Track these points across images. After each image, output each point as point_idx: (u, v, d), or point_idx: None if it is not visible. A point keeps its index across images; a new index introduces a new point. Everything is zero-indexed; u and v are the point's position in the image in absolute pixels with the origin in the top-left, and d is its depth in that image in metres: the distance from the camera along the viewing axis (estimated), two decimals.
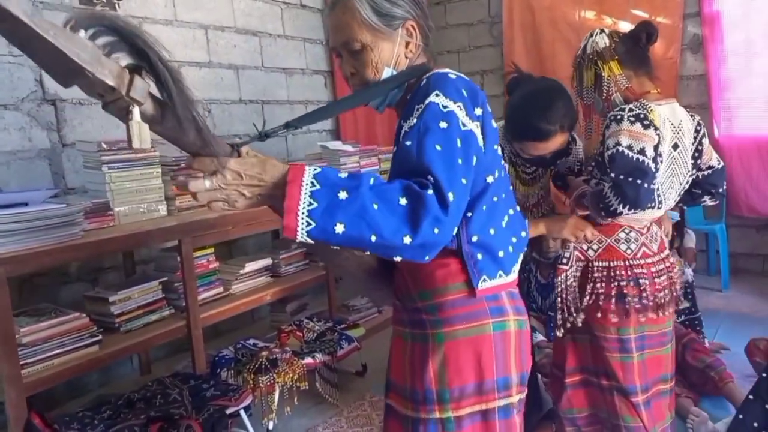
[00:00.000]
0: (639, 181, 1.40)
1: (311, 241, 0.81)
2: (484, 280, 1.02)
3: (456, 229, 0.94)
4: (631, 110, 1.48)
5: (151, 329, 2.16)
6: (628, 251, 1.58)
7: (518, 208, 1.15)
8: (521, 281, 2.96)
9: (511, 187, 1.14)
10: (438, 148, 0.89)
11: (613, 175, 1.42)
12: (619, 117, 1.48)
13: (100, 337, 1.97)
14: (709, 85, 3.80)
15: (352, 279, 1.16)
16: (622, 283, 1.56)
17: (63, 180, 2.56)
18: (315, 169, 0.83)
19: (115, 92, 0.72)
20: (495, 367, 1.02)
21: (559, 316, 1.64)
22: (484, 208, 1.01)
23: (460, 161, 0.90)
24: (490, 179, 1.02)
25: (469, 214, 1.00)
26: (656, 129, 1.47)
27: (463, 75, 1.04)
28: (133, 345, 2.08)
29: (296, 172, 0.82)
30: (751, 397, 1.65)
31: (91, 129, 2.66)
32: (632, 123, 1.46)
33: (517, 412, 1.06)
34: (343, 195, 0.80)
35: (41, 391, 1.81)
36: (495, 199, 1.04)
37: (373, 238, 0.80)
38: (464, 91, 0.98)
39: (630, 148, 1.42)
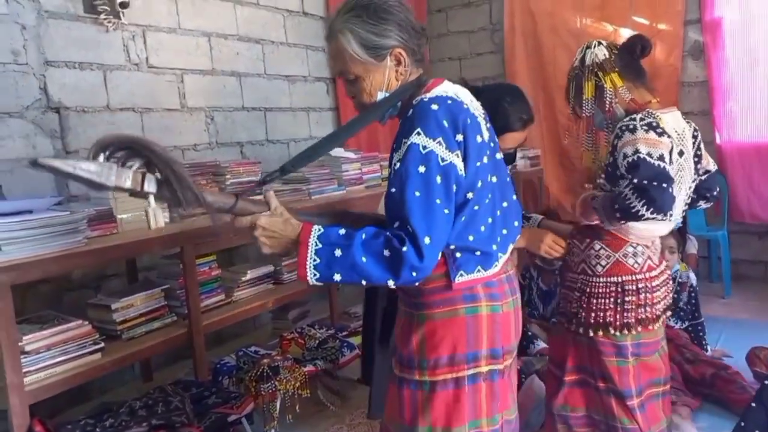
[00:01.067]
0: (665, 185, 1.38)
1: (320, 284, 1.10)
2: (461, 275, 1.18)
3: None
4: (642, 119, 1.48)
5: (153, 336, 2.17)
6: (636, 265, 1.58)
7: (514, 198, 1.31)
8: (523, 288, 2.99)
9: (508, 179, 1.30)
10: (417, 194, 1.07)
11: (636, 180, 1.39)
12: (632, 126, 1.47)
13: (102, 344, 1.97)
14: (710, 92, 3.81)
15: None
16: (627, 298, 1.56)
17: (66, 187, 2.57)
18: (319, 230, 1.09)
19: (134, 189, 1.01)
20: (466, 343, 1.20)
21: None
22: (463, 219, 1.15)
23: (438, 201, 1.08)
24: (470, 195, 1.15)
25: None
26: (669, 136, 1.48)
27: (449, 94, 1.17)
28: (135, 352, 2.08)
29: (305, 234, 1.09)
30: (753, 404, 1.65)
31: (94, 137, 2.66)
32: (646, 131, 1.45)
33: (485, 379, 1.23)
34: (338, 252, 1.06)
35: (43, 399, 1.82)
36: (476, 207, 1.17)
37: (364, 282, 1.08)
38: (445, 123, 1.11)
39: (650, 155, 1.42)
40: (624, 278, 1.58)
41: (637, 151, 1.43)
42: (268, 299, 2.63)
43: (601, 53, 1.60)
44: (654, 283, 1.59)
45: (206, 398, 2.03)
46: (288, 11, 3.78)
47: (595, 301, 1.59)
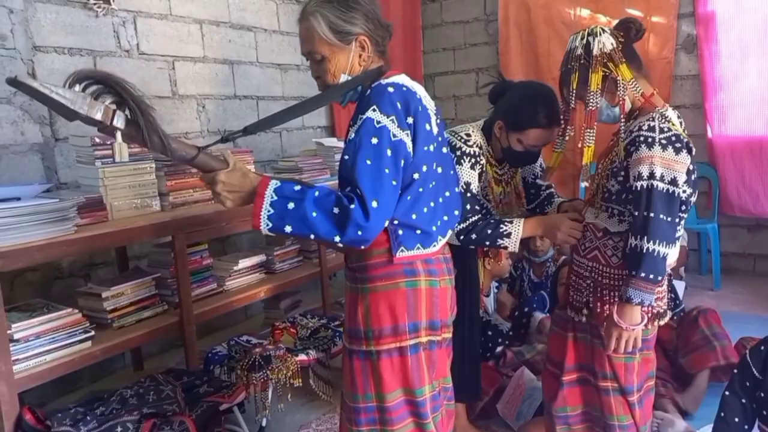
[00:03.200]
0: (668, 219, 1.39)
1: (272, 234, 1.18)
2: (402, 250, 1.30)
3: None
4: (662, 131, 1.43)
5: (144, 325, 2.15)
6: None
7: (456, 190, 1.45)
8: (513, 279, 3.00)
9: (452, 172, 1.44)
10: (368, 162, 1.16)
11: (645, 212, 1.40)
12: (650, 140, 1.42)
13: (92, 332, 1.95)
14: (703, 86, 3.82)
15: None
16: None
17: (56, 175, 2.54)
18: (276, 183, 1.16)
19: (103, 123, 1.08)
20: (407, 314, 1.31)
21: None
22: (409, 198, 1.26)
23: (387, 170, 1.17)
24: (416, 176, 1.26)
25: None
26: (688, 150, 1.44)
27: (405, 83, 1.28)
28: (126, 341, 2.07)
29: (263, 186, 1.16)
30: (727, 393, 1.66)
31: (84, 124, 2.64)
32: (664, 149, 1.41)
33: (425, 349, 1.34)
34: (291, 205, 1.14)
35: (33, 387, 1.80)
36: (420, 189, 1.28)
37: (312, 236, 1.16)
38: (398, 104, 1.22)
39: (662, 178, 1.40)
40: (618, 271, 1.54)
41: (651, 175, 1.40)
42: (260, 289, 2.62)
43: (609, 42, 1.49)
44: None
45: (198, 387, 2.02)
46: None
47: (607, 292, 1.55)
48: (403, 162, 1.21)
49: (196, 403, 1.91)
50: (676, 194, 1.40)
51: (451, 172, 1.44)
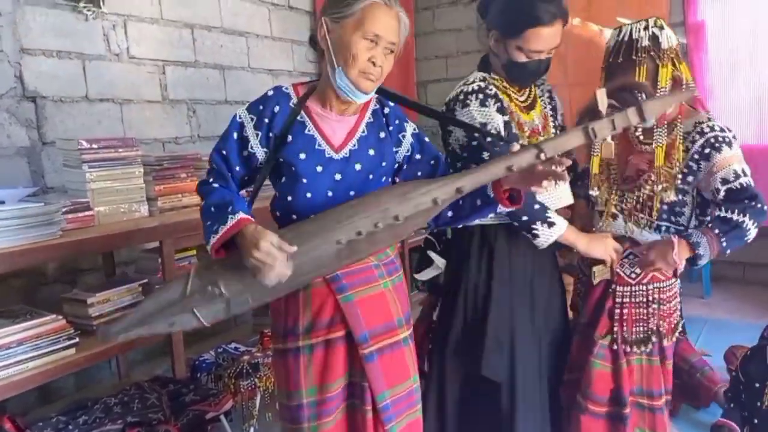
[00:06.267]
0: (759, 206, 1.43)
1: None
2: None
3: None
4: (728, 130, 1.47)
5: None
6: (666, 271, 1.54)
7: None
8: None
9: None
10: None
11: (747, 201, 1.42)
12: (728, 140, 1.45)
13: (76, 339, 1.91)
14: None
15: None
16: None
17: (42, 179, 2.51)
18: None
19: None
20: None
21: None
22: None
23: None
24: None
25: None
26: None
27: None
28: (111, 348, 2.02)
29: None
30: (732, 405, 1.66)
31: (72, 127, 2.61)
32: (736, 147, 1.46)
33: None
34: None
35: (15, 396, 1.76)
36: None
37: None
38: None
39: (744, 173, 1.44)
40: (673, 280, 1.57)
41: (744, 172, 1.44)
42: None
43: (674, 38, 1.44)
44: None
45: (184, 395, 1.99)
46: (273, 5, 3.74)
47: (666, 306, 1.55)
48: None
49: (181, 411, 1.88)
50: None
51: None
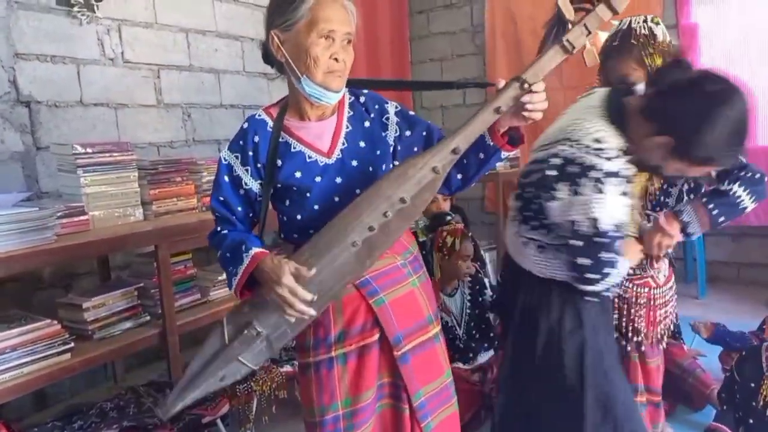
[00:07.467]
0: (750, 174, 1.47)
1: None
2: None
3: None
4: None
5: (125, 336, 2.11)
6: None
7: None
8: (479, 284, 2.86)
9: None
10: None
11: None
12: None
13: (72, 344, 1.91)
14: None
15: None
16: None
17: (37, 184, 2.50)
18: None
19: None
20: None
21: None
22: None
23: None
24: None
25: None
26: None
27: None
28: (107, 353, 2.02)
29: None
30: (725, 408, 1.67)
31: (67, 132, 2.61)
32: None
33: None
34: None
35: (10, 401, 1.76)
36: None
37: None
38: None
39: None
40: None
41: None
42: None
43: (668, 37, 1.51)
44: None
45: None
46: None
47: (661, 311, 1.59)
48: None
49: (178, 415, 1.87)
50: None
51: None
